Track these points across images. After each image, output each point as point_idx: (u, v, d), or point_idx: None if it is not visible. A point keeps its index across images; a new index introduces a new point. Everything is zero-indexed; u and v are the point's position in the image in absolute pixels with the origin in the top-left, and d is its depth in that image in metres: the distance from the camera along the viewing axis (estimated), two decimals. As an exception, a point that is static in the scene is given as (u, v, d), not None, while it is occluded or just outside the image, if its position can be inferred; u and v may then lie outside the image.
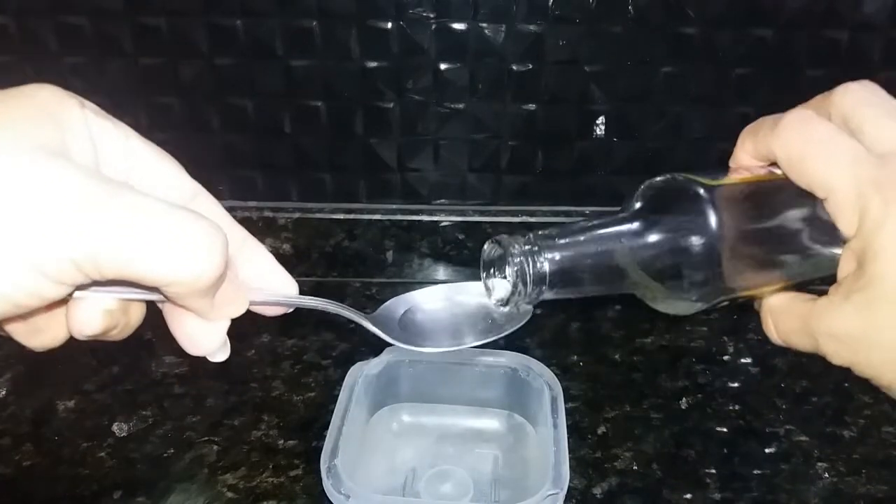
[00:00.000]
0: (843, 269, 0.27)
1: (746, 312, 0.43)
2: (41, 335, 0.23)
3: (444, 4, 0.53)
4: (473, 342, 0.31)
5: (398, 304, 0.32)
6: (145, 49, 0.55)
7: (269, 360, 0.53)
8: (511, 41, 0.54)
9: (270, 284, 0.28)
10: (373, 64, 0.55)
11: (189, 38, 0.54)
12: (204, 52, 0.55)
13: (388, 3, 0.53)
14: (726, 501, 0.43)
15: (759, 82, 0.56)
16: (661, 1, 0.53)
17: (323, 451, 0.40)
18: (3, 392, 0.50)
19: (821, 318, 0.28)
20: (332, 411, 0.43)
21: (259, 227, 0.60)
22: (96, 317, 0.23)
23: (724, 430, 0.48)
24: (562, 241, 0.30)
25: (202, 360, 0.54)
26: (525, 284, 0.30)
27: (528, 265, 0.29)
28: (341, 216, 0.60)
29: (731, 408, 0.49)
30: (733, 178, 0.31)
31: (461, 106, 0.57)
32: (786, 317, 0.31)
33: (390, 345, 0.31)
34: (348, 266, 0.62)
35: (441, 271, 0.62)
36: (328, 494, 0.39)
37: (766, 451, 0.46)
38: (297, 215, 0.60)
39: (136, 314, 0.24)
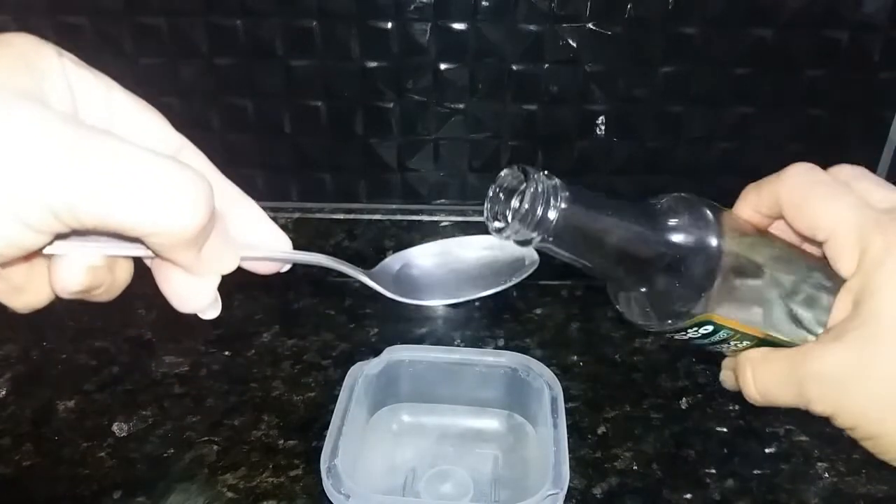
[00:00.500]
0: (837, 314, 0.28)
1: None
2: (24, 295, 0.23)
3: (444, 4, 0.53)
4: (472, 295, 0.31)
5: (398, 260, 0.31)
6: (145, 49, 0.55)
7: (269, 360, 0.53)
8: (511, 41, 0.54)
9: (263, 240, 0.27)
10: (373, 64, 0.55)
11: (189, 37, 0.54)
12: (204, 51, 0.55)
13: (388, 3, 0.53)
14: (726, 501, 0.43)
15: (758, 82, 0.56)
16: (662, 1, 0.53)
17: (323, 451, 0.40)
18: (3, 392, 0.50)
19: (810, 359, 0.28)
20: (332, 411, 0.43)
21: (259, 227, 0.60)
22: (79, 273, 0.22)
23: (724, 430, 0.48)
24: (582, 198, 0.30)
25: (202, 360, 0.54)
26: (528, 221, 0.28)
27: (541, 204, 0.28)
28: (341, 216, 0.60)
29: (731, 408, 0.49)
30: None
31: (461, 106, 0.57)
32: (768, 366, 0.31)
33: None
34: (348, 266, 0.62)
35: (441, 271, 0.62)
36: (328, 494, 0.39)
37: (766, 451, 0.46)
38: (297, 215, 0.60)
39: (123, 273, 0.24)
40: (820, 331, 0.31)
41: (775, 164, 0.34)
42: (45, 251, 0.21)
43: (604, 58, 0.55)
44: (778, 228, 0.34)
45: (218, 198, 0.22)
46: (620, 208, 0.31)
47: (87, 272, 0.22)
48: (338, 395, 0.44)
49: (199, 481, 0.44)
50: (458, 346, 0.52)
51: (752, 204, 0.32)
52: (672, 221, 0.31)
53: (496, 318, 0.58)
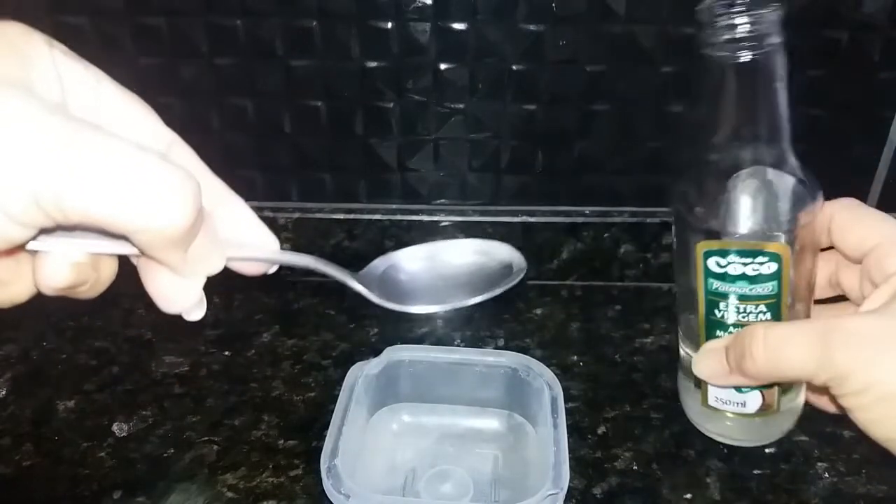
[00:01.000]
0: (876, 300, 0.32)
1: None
2: (6, 289, 0.22)
3: (444, 4, 0.53)
4: (460, 302, 0.30)
5: (385, 263, 0.31)
6: (145, 49, 0.55)
7: (269, 360, 0.53)
8: (511, 41, 0.54)
9: (250, 240, 0.26)
10: (373, 64, 0.55)
11: (189, 37, 0.54)
12: (204, 51, 0.55)
13: (388, 3, 0.53)
14: (726, 501, 0.43)
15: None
16: (662, 1, 0.53)
17: (323, 451, 0.40)
18: (3, 392, 0.50)
19: (845, 322, 0.32)
20: (332, 411, 0.43)
21: (259, 227, 0.60)
22: (64, 269, 0.22)
23: (724, 430, 0.48)
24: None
25: (202, 360, 0.54)
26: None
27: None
28: (341, 216, 0.60)
29: (731, 408, 0.49)
30: None
31: (461, 106, 0.57)
32: (785, 327, 0.34)
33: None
34: (348, 266, 0.61)
35: (441, 271, 0.62)
36: (328, 494, 0.39)
37: (766, 451, 0.46)
38: (296, 215, 0.60)
39: (107, 271, 0.24)
40: None
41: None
42: (30, 246, 0.21)
43: (604, 58, 0.55)
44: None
45: (206, 196, 0.21)
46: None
47: (71, 269, 0.22)
48: (338, 395, 0.44)
49: (199, 481, 0.44)
50: (458, 346, 0.52)
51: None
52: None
53: (496, 318, 0.58)
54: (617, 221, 0.60)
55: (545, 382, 0.45)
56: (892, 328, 0.30)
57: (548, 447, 0.41)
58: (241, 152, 0.59)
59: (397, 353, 0.46)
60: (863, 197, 0.60)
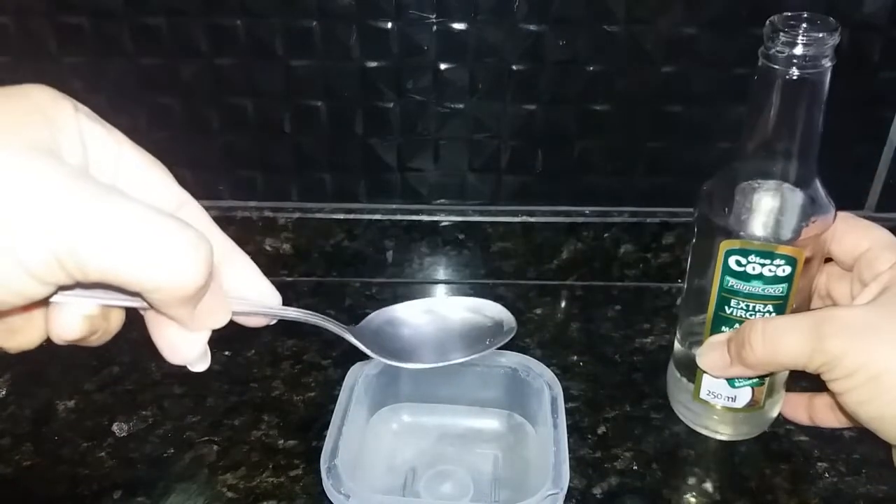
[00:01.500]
0: (865, 296, 0.35)
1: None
2: (18, 336, 0.23)
3: (444, 4, 0.53)
4: (458, 358, 0.31)
5: (381, 318, 0.32)
6: (145, 49, 0.55)
7: (269, 360, 0.53)
8: (511, 41, 0.54)
9: (254, 295, 0.28)
10: (373, 64, 0.55)
11: (189, 38, 0.54)
12: (204, 51, 0.55)
13: (388, 3, 0.53)
14: (726, 501, 0.43)
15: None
16: (661, 1, 0.53)
17: (323, 451, 0.40)
18: (3, 392, 0.50)
19: (838, 312, 0.34)
20: (333, 411, 0.43)
21: (259, 227, 0.60)
22: (77, 321, 0.23)
23: (724, 430, 0.48)
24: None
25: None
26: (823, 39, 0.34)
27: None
28: (341, 216, 0.60)
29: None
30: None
31: (461, 106, 0.57)
32: (782, 319, 0.37)
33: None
34: (348, 266, 0.62)
35: (441, 271, 0.62)
36: (328, 494, 0.39)
37: (766, 450, 0.46)
38: (297, 215, 0.60)
39: (116, 320, 0.25)
40: None
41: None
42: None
43: (604, 58, 0.55)
44: None
45: (215, 252, 0.22)
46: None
47: (84, 321, 0.23)
48: (338, 395, 0.44)
49: (199, 481, 0.44)
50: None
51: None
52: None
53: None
54: (617, 221, 0.60)
55: (545, 382, 0.45)
56: (880, 317, 0.33)
57: (548, 447, 0.41)
58: (241, 152, 0.59)
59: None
60: (863, 197, 0.60)
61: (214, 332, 0.26)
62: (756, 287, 0.39)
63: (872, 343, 0.32)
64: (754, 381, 0.42)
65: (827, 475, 0.44)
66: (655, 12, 0.53)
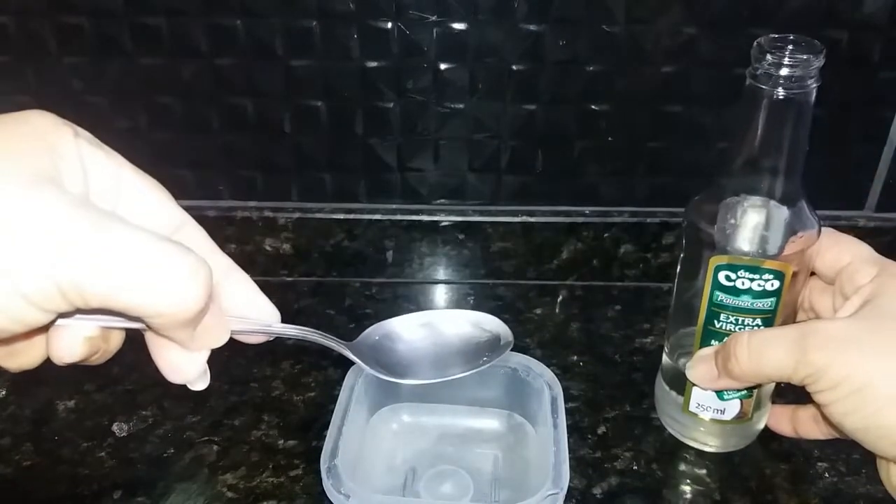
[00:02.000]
0: (847, 309, 0.36)
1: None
2: (18, 357, 0.23)
3: (444, 4, 0.53)
4: (456, 374, 0.31)
5: (378, 332, 0.32)
6: (145, 49, 0.55)
7: (270, 360, 0.53)
8: (511, 41, 0.54)
9: (252, 313, 0.28)
10: (373, 64, 0.55)
11: (189, 38, 0.54)
12: (204, 52, 0.55)
13: (387, 3, 0.53)
14: (726, 501, 0.43)
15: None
16: (661, 1, 0.53)
17: (323, 451, 0.40)
18: (3, 392, 0.50)
19: (822, 324, 0.35)
20: (333, 411, 0.43)
21: (259, 227, 0.60)
22: (78, 344, 0.23)
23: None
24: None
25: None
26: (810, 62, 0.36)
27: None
28: (341, 216, 0.60)
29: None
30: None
31: (461, 106, 0.57)
32: (766, 332, 0.38)
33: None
34: (348, 266, 0.62)
35: (441, 271, 0.62)
36: (328, 494, 0.39)
37: (767, 451, 0.46)
38: (297, 215, 0.60)
39: (116, 340, 0.25)
40: None
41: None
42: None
43: (604, 58, 0.55)
44: None
45: (214, 273, 0.23)
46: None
47: (84, 343, 0.23)
48: (338, 395, 0.44)
49: (199, 481, 0.44)
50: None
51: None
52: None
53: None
54: (617, 221, 0.60)
55: (545, 382, 0.45)
56: (862, 329, 0.34)
57: (548, 447, 0.41)
58: (241, 152, 0.59)
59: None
60: (863, 197, 0.60)
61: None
62: (745, 301, 0.39)
63: (855, 355, 0.33)
64: (743, 393, 0.42)
65: (827, 475, 0.44)
66: (655, 12, 0.53)
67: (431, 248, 0.61)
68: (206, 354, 0.26)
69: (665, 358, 0.47)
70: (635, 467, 0.45)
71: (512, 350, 0.47)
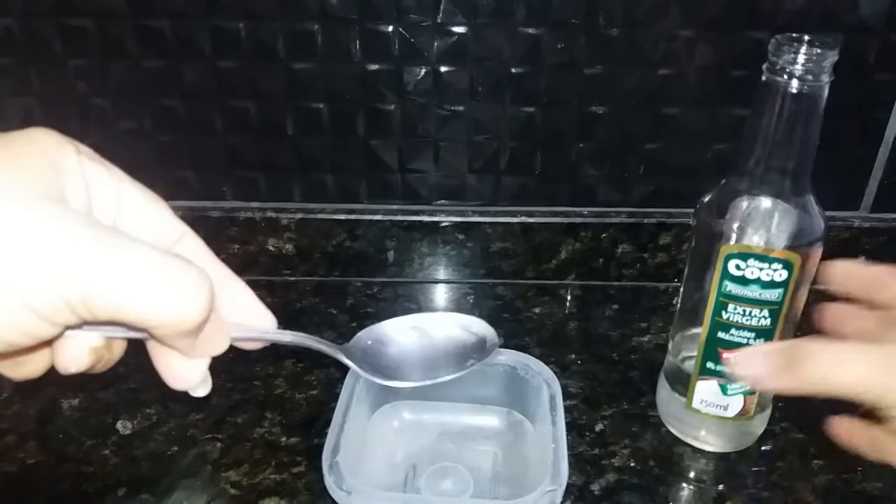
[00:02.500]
0: None
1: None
2: (23, 367, 0.24)
3: (444, 8, 0.53)
4: (446, 376, 0.31)
5: (370, 336, 0.32)
6: (149, 51, 0.55)
7: (272, 359, 0.53)
8: (510, 44, 0.55)
9: (250, 319, 0.29)
10: (374, 66, 0.56)
11: (192, 40, 0.55)
12: (207, 54, 0.55)
13: (388, 6, 0.53)
14: (723, 498, 0.43)
15: (755, 84, 0.56)
16: (659, 3, 0.53)
17: (325, 449, 0.41)
18: (8, 391, 0.50)
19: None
20: (334, 409, 0.44)
21: (262, 228, 0.61)
22: (83, 355, 0.24)
23: (721, 427, 0.48)
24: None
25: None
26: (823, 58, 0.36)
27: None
28: (343, 216, 0.61)
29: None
30: None
31: (461, 108, 0.57)
32: (845, 345, 0.35)
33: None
34: (350, 266, 0.63)
35: (441, 271, 0.63)
36: (330, 491, 0.39)
37: (763, 448, 0.46)
38: (299, 216, 0.61)
39: (119, 349, 0.26)
40: None
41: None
42: None
43: (602, 60, 0.55)
44: None
45: (214, 282, 0.23)
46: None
47: (90, 353, 0.24)
48: (339, 393, 0.45)
49: (203, 478, 0.44)
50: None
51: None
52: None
53: (495, 316, 0.59)
54: (614, 222, 0.61)
55: (544, 380, 0.46)
56: None
57: (546, 444, 0.41)
58: (244, 154, 0.59)
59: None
60: (859, 198, 0.61)
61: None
62: (753, 291, 0.40)
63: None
64: (746, 389, 0.43)
65: (823, 472, 0.45)
66: (652, 16, 0.54)
67: (432, 248, 0.62)
68: (207, 361, 0.27)
69: (668, 357, 0.47)
70: (633, 464, 0.45)
71: (511, 348, 0.48)
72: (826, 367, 0.34)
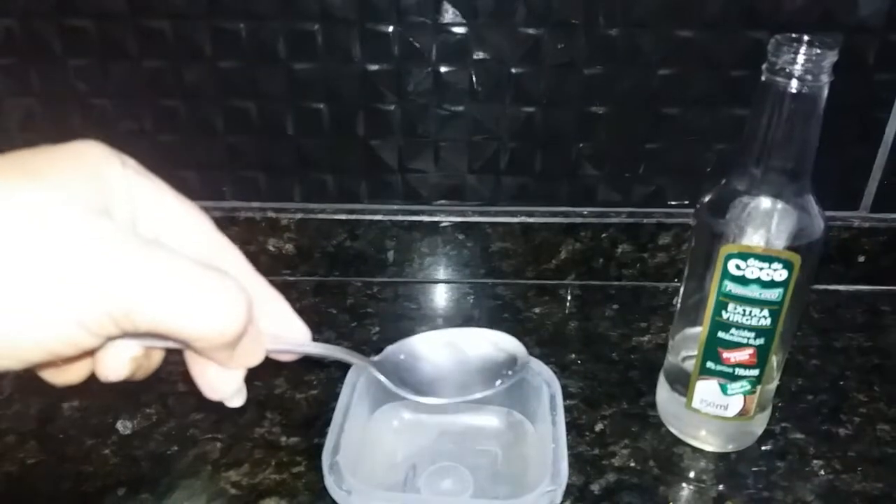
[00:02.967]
0: None
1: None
2: (66, 375, 0.25)
3: (444, 8, 0.54)
4: (476, 393, 0.32)
5: (402, 351, 0.33)
6: (149, 52, 0.55)
7: (272, 358, 0.53)
8: (510, 44, 0.55)
9: (286, 332, 0.29)
10: (374, 67, 0.56)
11: (193, 41, 0.55)
12: (207, 55, 0.55)
13: (388, 6, 0.53)
14: (722, 498, 0.43)
15: (755, 84, 0.56)
16: (659, 4, 0.53)
17: (325, 448, 0.41)
18: (8, 390, 0.50)
19: None
20: (334, 409, 0.44)
21: (262, 228, 0.61)
22: (124, 364, 0.24)
23: (721, 427, 0.48)
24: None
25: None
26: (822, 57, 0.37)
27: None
28: (343, 216, 0.61)
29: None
30: None
31: (461, 108, 0.57)
32: None
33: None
34: (350, 266, 0.63)
35: (441, 271, 0.63)
36: (330, 491, 0.40)
37: (763, 448, 0.46)
38: (299, 216, 0.61)
39: (157, 357, 0.26)
40: None
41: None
42: None
43: (601, 60, 0.55)
44: None
45: (251, 295, 0.24)
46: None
47: (130, 363, 0.25)
48: (339, 392, 0.45)
49: (203, 478, 0.44)
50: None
51: None
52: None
53: (495, 316, 0.59)
54: (614, 222, 0.61)
55: (544, 380, 0.46)
56: None
57: (546, 444, 0.41)
58: (244, 154, 0.59)
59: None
60: (858, 198, 0.61)
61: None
62: (753, 291, 0.40)
63: None
64: (746, 389, 0.43)
65: (823, 472, 0.45)
66: (652, 16, 0.54)
67: (432, 248, 0.62)
68: (243, 372, 0.27)
69: (668, 357, 0.47)
70: (633, 464, 0.45)
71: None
72: None
